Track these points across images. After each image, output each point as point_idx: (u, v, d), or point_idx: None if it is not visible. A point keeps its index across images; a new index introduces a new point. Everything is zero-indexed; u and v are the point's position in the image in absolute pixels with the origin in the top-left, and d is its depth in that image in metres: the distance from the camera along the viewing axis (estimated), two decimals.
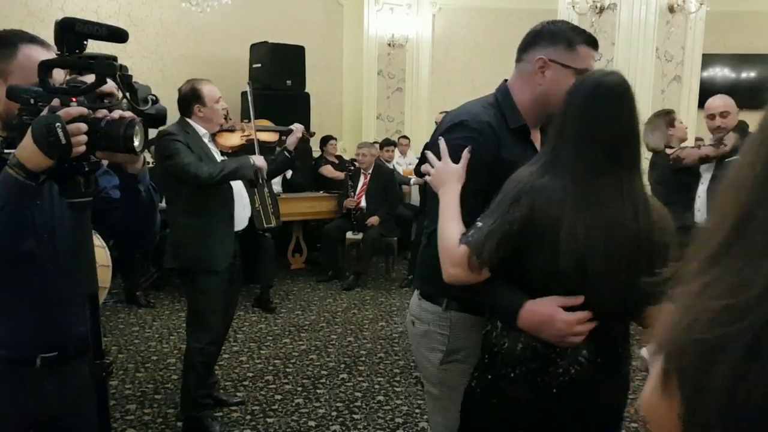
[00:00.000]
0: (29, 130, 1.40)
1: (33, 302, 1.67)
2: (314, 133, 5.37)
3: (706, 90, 7.00)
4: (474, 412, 1.85)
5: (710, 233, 0.67)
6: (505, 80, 2.07)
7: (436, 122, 6.01)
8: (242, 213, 3.76)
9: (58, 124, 1.37)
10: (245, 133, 4.27)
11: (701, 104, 6.41)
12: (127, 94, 1.52)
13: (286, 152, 3.93)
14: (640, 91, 6.29)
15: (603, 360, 1.71)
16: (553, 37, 1.94)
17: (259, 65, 7.79)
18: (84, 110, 1.43)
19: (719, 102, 4.43)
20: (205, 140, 3.63)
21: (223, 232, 3.60)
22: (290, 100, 7.74)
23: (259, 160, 3.78)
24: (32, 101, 1.49)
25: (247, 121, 4.73)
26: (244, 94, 7.67)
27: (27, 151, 1.40)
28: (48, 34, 1.75)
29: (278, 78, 7.72)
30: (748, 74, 9.15)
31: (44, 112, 1.42)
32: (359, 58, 9.07)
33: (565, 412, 1.72)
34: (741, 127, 4.22)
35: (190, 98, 3.60)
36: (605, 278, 1.63)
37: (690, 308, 0.64)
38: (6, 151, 1.56)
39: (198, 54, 7.87)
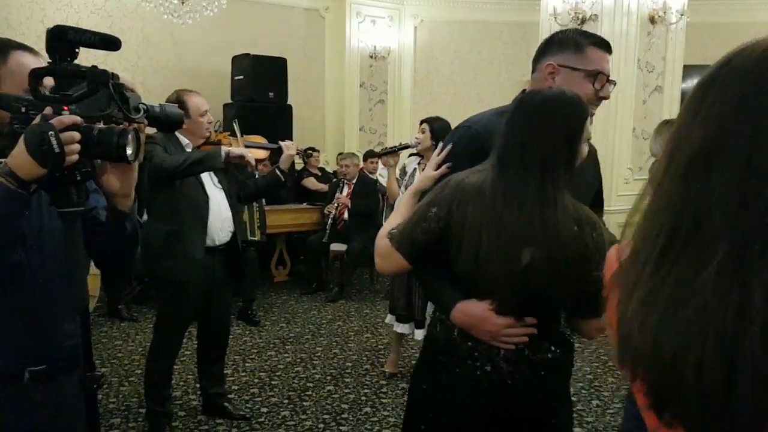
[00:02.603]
0: (21, 139, 1.38)
1: (22, 314, 1.64)
2: (305, 151, 5.32)
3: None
4: (411, 393, 2.00)
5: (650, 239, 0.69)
6: (523, 90, 2.13)
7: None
8: (222, 227, 3.66)
9: (51, 132, 1.35)
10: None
11: None
12: (120, 103, 1.51)
13: (278, 171, 3.72)
14: (623, 102, 6.35)
15: (517, 362, 1.75)
16: (561, 43, 2.03)
17: (241, 77, 7.77)
18: (77, 119, 1.41)
19: None
20: (188, 151, 3.59)
21: (194, 243, 3.52)
22: (273, 112, 7.73)
23: (236, 149, 3.63)
24: (23, 109, 1.47)
25: (232, 135, 4.67)
26: (226, 106, 7.69)
27: (19, 159, 1.38)
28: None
29: (260, 90, 7.70)
30: None
31: (36, 120, 1.41)
32: (341, 70, 9.08)
33: (484, 408, 1.77)
34: None
35: None
36: (507, 282, 1.69)
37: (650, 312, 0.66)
38: None
39: (180, 66, 7.84)
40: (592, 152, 2.20)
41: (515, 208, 1.66)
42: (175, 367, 3.91)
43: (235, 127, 4.47)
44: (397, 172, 4.99)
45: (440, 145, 2.07)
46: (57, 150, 1.36)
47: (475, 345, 1.76)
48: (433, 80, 9.38)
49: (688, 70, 7.71)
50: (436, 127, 4.39)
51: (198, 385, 4.12)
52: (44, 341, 1.68)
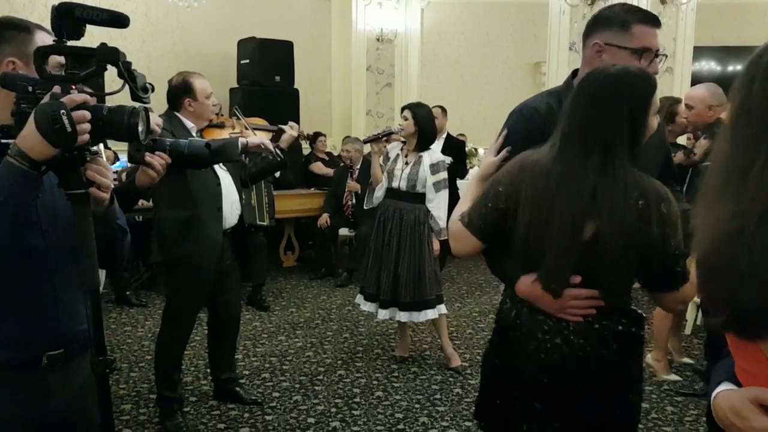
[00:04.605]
0: (31, 118, 1.34)
1: (39, 299, 1.61)
2: (310, 135, 5.31)
3: (695, 82, 7.00)
4: (484, 368, 2.03)
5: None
6: (574, 71, 2.16)
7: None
8: (231, 210, 3.67)
9: (63, 111, 1.31)
10: (235, 130, 4.21)
11: None
12: (129, 82, 1.47)
13: (278, 150, 3.67)
14: None
15: (587, 335, 1.76)
16: (607, 20, 2.03)
17: (247, 61, 7.72)
18: (88, 97, 1.37)
19: (689, 92, 4.15)
20: (193, 134, 3.56)
21: (211, 227, 3.52)
22: (279, 96, 7.69)
23: (254, 138, 3.65)
24: (30, 89, 1.43)
25: (236, 117, 4.67)
26: (232, 90, 7.64)
27: (30, 139, 1.34)
28: None
29: (267, 74, 7.66)
30: (735, 67, 9.17)
31: (45, 99, 1.37)
32: (348, 54, 9.01)
33: (555, 382, 1.77)
34: (718, 127, 3.78)
35: (181, 91, 3.52)
36: (566, 256, 1.72)
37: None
38: (3, 140, 1.51)
39: (185, 50, 7.78)
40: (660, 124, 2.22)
41: (573, 187, 1.68)
42: (185, 352, 3.89)
43: (237, 113, 4.48)
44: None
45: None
46: (69, 129, 1.32)
47: (545, 319, 1.78)
48: (441, 62, 9.29)
49: (698, 52, 7.64)
50: (419, 114, 4.50)
51: (209, 370, 4.11)
52: (61, 325, 1.66)
